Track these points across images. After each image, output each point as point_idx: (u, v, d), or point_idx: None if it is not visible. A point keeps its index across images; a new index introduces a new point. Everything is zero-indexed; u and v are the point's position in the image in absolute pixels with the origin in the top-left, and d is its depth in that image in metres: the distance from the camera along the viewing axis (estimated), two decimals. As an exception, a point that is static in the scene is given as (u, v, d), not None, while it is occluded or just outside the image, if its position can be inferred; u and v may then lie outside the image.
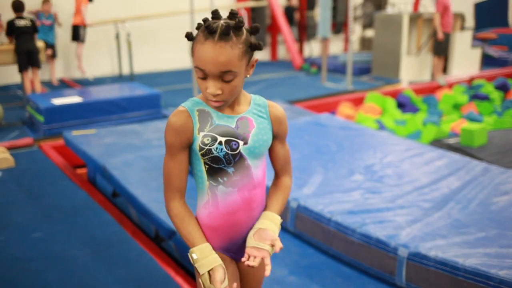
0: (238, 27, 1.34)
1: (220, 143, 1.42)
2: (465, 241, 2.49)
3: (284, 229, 3.12)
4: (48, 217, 3.40)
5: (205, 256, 1.42)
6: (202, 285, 1.43)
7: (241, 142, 1.45)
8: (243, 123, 1.46)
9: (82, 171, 4.91)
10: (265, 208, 1.58)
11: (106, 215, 3.45)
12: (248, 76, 1.43)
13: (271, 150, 1.58)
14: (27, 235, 3.11)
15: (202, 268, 1.41)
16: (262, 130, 1.49)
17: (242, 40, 1.35)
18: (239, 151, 1.45)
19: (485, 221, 2.73)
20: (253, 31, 1.38)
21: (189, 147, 1.46)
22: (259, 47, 1.40)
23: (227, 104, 1.42)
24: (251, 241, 1.47)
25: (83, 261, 2.85)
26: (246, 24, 1.38)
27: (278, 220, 1.53)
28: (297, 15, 11.69)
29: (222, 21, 1.35)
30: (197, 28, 1.39)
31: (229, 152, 1.43)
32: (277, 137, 1.56)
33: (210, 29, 1.31)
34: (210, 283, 1.40)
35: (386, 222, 2.72)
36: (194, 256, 1.43)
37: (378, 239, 2.55)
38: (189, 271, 2.99)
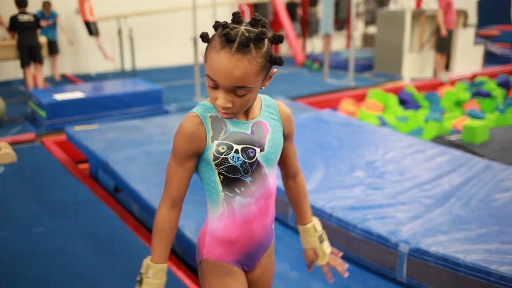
0: (260, 39, 1.20)
1: (237, 151, 1.33)
2: (466, 237, 2.49)
3: (285, 225, 3.13)
4: (50, 212, 3.41)
5: (158, 278, 1.39)
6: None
7: (257, 150, 1.37)
8: (258, 128, 1.38)
9: (84, 166, 4.92)
10: (303, 220, 1.62)
11: (108, 210, 3.46)
12: (264, 88, 1.31)
13: (283, 151, 1.49)
14: (29, 230, 3.12)
15: (147, 285, 1.38)
16: (276, 134, 1.41)
17: (262, 53, 1.22)
18: (256, 158, 1.37)
19: (486, 218, 2.73)
20: (275, 40, 1.26)
21: (198, 156, 1.36)
22: (279, 63, 1.26)
23: (236, 116, 1.32)
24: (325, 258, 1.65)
25: (85, 255, 2.86)
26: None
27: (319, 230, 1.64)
28: (299, 11, 11.68)
29: (243, 28, 1.21)
30: (214, 28, 1.26)
31: (246, 160, 1.35)
32: (288, 136, 1.49)
33: (228, 38, 1.18)
34: None
35: (387, 218, 2.73)
36: (150, 273, 1.38)
37: (379, 235, 2.56)
38: (190, 266, 3.00)
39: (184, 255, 3.11)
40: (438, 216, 2.75)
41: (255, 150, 1.36)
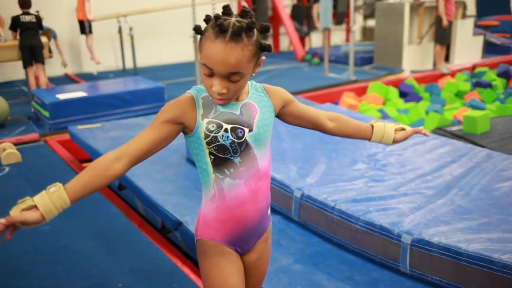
0: (250, 28, 1.30)
1: (226, 130, 1.40)
2: (468, 226, 2.51)
3: (288, 218, 3.15)
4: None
5: (53, 198, 1.27)
6: None
7: (246, 130, 1.43)
8: (247, 109, 1.45)
9: (88, 165, 4.95)
10: (367, 133, 1.73)
11: (113, 208, 3.49)
12: (253, 74, 1.41)
13: (299, 118, 1.62)
14: (35, 228, 3.11)
15: (41, 197, 1.27)
16: (265, 114, 1.48)
17: (253, 41, 1.32)
18: (245, 139, 1.43)
19: (487, 207, 2.75)
20: (263, 30, 1.36)
21: (179, 129, 1.42)
22: (268, 49, 1.37)
23: (230, 101, 1.40)
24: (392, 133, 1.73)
25: (91, 252, 2.90)
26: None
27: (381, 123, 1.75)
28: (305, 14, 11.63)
29: (234, 19, 1.30)
30: (205, 21, 1.36)
31: (235, 140, 1.41)
32: (286, 105, 1.57)
33: (222, 28, 1.27)
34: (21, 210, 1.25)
35: (390, 209, 2.75)
36: (53, 189, 1.28)
37: (381, 227, 2.58)
38: (195, 261, 3.03)
39: (189, 250, 3.14)
40: (440, 206, 2.77)
41: (243, 130, 1.43)
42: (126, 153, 1.37)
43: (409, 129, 1.75)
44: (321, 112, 1.69)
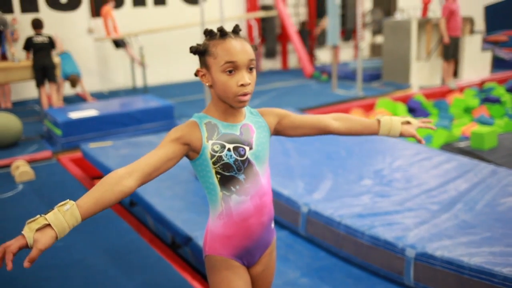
0: (238, 30, 1.52)
1: (229, 149, 1.51)
2: (471, 241, 2.56)
3: (295, 233, 3.21)
4: (68, 227, 3.52)
5: (67, 216, 1.27)
6: None
7: (247, 148, 1.54)
8: (245, 129, 1.56)
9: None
10: (373, 128, 1.79)
11: (124, 224, 3.57)
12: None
13: (300, 128, 1.70)
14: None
15: (54, 214, 1.26)
16: (261, 134, 1.59)
17: (248, 41, 1.54)
18: (247, 156, 1.53)
19: (491, 222, 2.80)
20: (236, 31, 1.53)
21: (188, 151, 1.50)
22: (256, 48, 1.55)
23: (248, 100, 1.50)
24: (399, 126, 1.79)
25: (103, 268, 2.97)
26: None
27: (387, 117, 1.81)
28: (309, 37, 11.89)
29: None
30: (205, 34, 1.52)
31: (238, 158, 1.51)
32: (283, 120, 1.67)
33: (223, 31, 1.48)
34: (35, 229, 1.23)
35: (394, 224, 2.80)
36: (66, 207, 1.28)
37: (386, 241, 2.63)
38: (205, 276, 3.08)
39: (198, 265, 3.21)
40: (444, 221, 2.82)
41: (244, 149, 1.54)
42: (136, 169, 1.41)
43: (415, 122, 1.82)
44: (324, 115, 1.77)
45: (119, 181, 1.38)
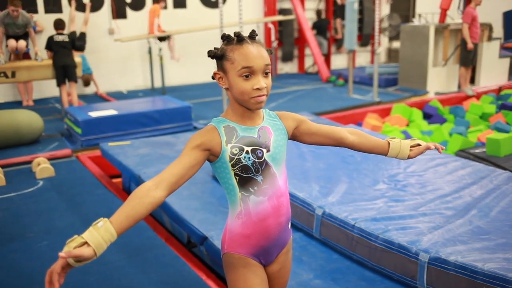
0: (255, 35, 1.58)
1: (247, 152, 1.56)
2: (485, 246, 2.57)
3: (309, 235, 3.25)
4: (87, 223, 3.56)
5: (101, 233, 1.33)
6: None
7: (264, 150, 1.59)
8: (263, 132, 1.61)
9: (117, 180, 5.13)
10: (384, 149, 1.85)
11: (141, 222, 3.62)
12: None
13: (316, 135, 1.77)
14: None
15: (89, 233, 1.32)
16: (278, 137, 1.64)
17: (264, 46, 1.59)
18: (264, 158, 1.59)
19: (506, 228, 2.80)
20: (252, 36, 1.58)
21: (209, 155, 1.55)
22: (271, 52, 1.60)
23: (264, 102, 1.56)
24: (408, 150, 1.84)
25: (120, 264, 3.03)
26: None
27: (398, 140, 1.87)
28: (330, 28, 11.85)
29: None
30: (222, 38, 1.57)
31: (256, 160, 1.57)
32: (299, 125, 1.73)
33: (240, 36, 1.53)
34: (73, 248, 1.30)
35: (408, 228, 2.82)
36: (100, 224, 1.34)
37: (400, 245, 2.66)
38: (219, 275, 3.14)
39: (213, 264, 3.26)
40: (458, 226, 2.84)
41: (262, 151, 1.59)
42: (162, 180, 1.48)
43: (423, 144, 1.87)
44: (340, 127, 1.84)
45: (147, 193, 1.44)
